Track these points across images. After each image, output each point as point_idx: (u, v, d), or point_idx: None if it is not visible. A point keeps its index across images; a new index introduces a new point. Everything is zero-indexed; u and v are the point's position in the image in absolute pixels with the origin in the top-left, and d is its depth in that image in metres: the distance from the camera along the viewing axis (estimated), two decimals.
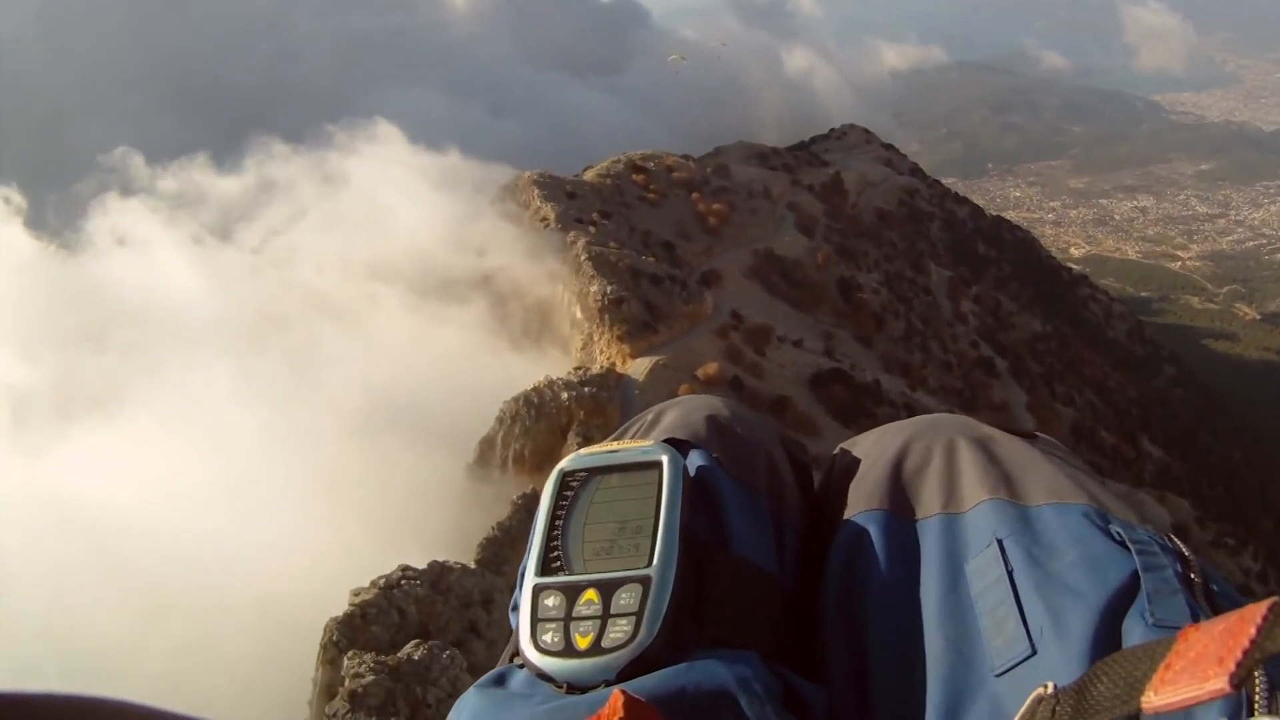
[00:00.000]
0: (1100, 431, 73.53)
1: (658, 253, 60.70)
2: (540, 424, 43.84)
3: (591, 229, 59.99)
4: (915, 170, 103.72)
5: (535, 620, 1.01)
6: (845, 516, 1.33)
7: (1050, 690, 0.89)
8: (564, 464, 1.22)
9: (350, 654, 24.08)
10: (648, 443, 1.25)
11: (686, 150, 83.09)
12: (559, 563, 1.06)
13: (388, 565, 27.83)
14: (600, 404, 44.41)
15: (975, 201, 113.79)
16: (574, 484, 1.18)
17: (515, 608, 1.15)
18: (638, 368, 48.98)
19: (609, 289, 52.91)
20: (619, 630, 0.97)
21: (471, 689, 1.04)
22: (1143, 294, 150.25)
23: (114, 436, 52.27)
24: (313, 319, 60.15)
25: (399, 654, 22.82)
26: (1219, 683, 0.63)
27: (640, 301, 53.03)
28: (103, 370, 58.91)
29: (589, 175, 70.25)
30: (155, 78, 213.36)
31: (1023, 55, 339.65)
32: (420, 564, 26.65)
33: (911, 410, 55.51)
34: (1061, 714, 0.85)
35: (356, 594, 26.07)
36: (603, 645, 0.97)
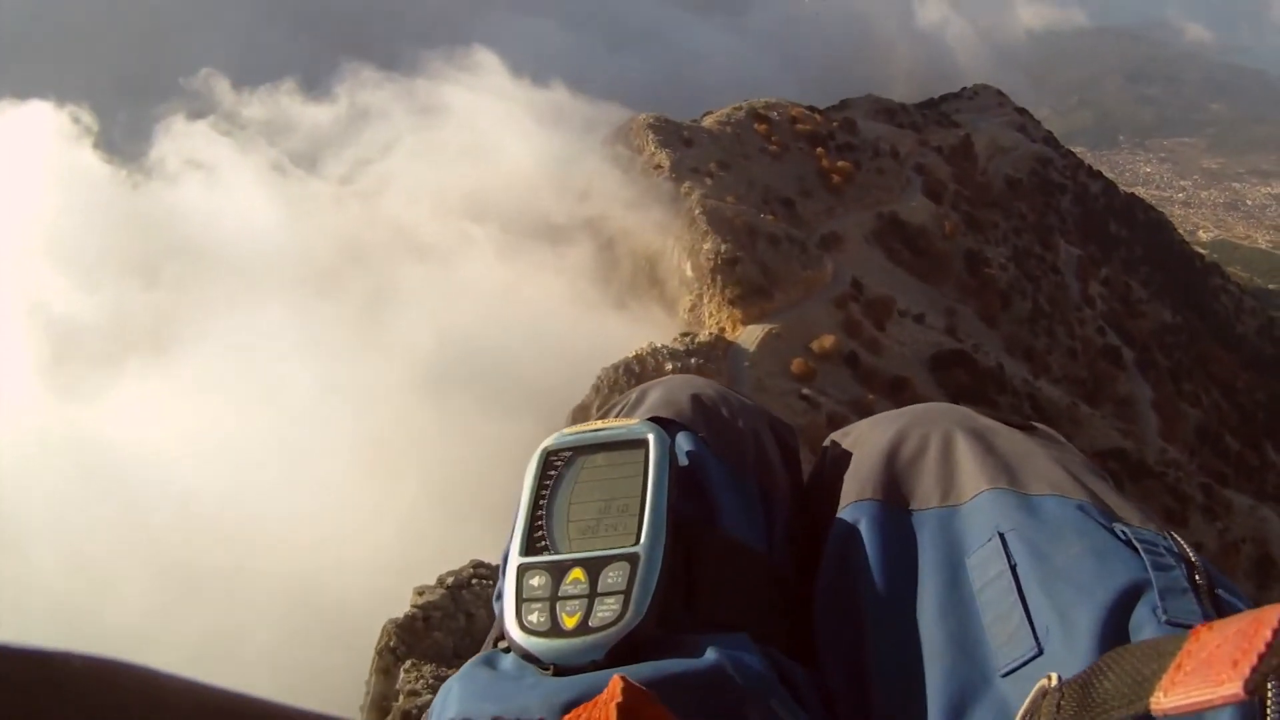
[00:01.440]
0: (1225, 436, 68.37)
1: (777, 210, 56.67)
2: None
3: (708, 180, 56.04)
4: (1049, 138, 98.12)
5: (520, 600, 1.00)
6: (839, 506, 1.28)
7: (1054, 683, 0.88)
8: (547, 442, 1.19)
9: (408, 664, 20.64)
10: (634, 421, 1.20)
11: (809, 100, 78.54)
12: (544, 542, 1.05)
13: (452, 552, 24.30)
14: (707, 377, 40.72)
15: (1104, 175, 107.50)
16: (558, 463, 1.15)
17: (499, 596, 1.13)
18: (748, 336, 45.55)
19: (723, 247, 49.32)
20: (607, 609, 0.96)
21: (455, 674, 1.02)
22: (1270, 286, 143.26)
23: (160, 382, 49.43)
24: (394, 258, 56.55)
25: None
26: (1233, 687, 0.61)
27: (755, 263, 49.40)
28: (160, 306, 55.86)
29: (708, 122, 65.80)
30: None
31: (1165, 24, 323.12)
32: (494, 556, 23.57)
33: (1034, 402, 52.26)
34: (1066, 709, 0.83)
35: (420, 593, 22.63)
36: (590, 624, 0.95)
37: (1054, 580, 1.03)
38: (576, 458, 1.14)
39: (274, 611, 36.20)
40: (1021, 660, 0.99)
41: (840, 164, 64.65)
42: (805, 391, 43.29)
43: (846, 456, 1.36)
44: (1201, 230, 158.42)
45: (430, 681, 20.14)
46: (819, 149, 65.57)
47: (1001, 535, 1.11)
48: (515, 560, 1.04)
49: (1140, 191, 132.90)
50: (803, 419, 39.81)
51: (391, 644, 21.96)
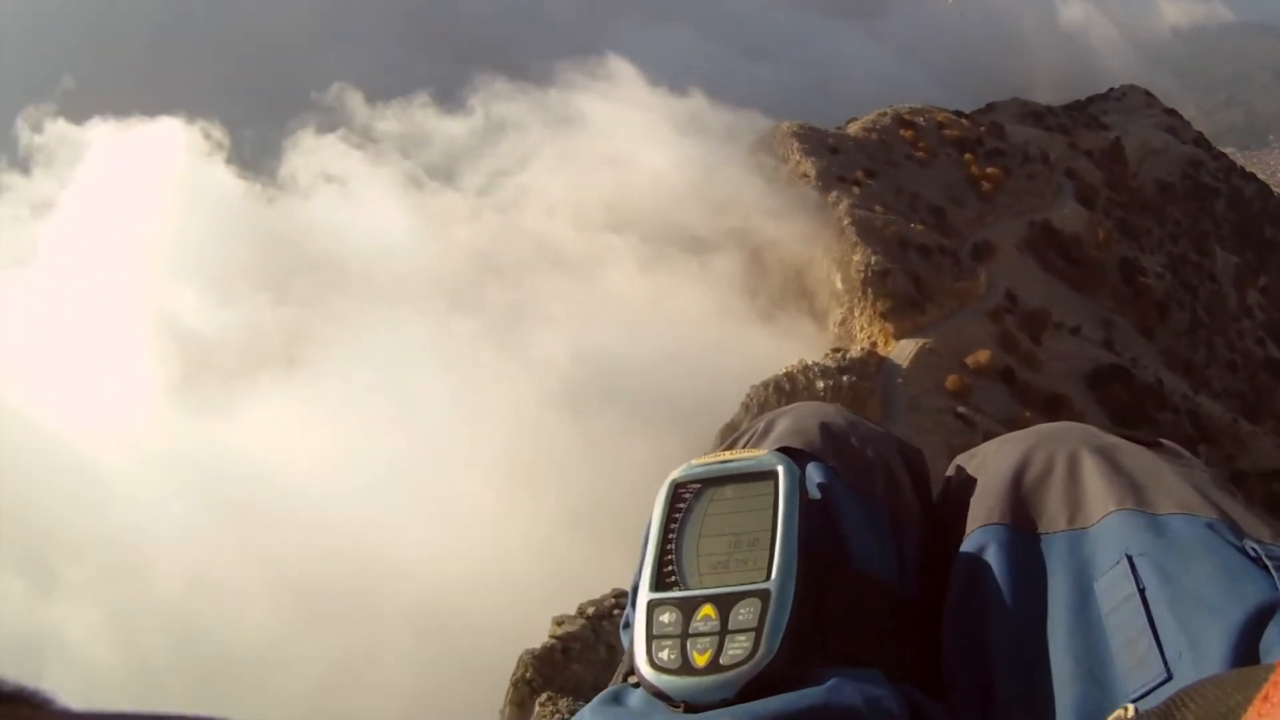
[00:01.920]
0: None
1: (926, 219, 55.02)
2: None
3: (855, 189, 54.64)
4: (1199, 140, 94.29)
5: (651, 637, 0.98)
6: (966, 531, 1.27)
7: (1131, 714, 0.87)
8: (675, 474, 1.17)
9: (544, 698, 19.82)
10: (762, 451, 1.17)
11: (952, 104, 76.36)
12: (674, 577, 1.04)
13: (593, 579, 23.34)
14: (860, 396, 39.49)
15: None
16: (686, 495, 1.13)
17: (627, 625, 1.15)
18: (901, 351, 44.32)
19: (873, 259, 48.07)
20: (738, 647, 0.94)
21: (587, 709, 1.01)
22: None
23: (292, 399, 49.07)
24: (533, 271, 55.61)
25: None
26: None
27: (907, 275, 48.08)
28: (292, 321, 55.37)
29: (852, 129, 64.31)
30: (387, 6, 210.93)
31: None
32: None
33: (1195, 419, 50.02)
34: None
35: (559, 623, 21.77)
36: (721, 662, 0.93)
37: (1183, 602, 1.01)
38: (705, 490, 1.13)
39: (404, 637, 35.61)
40: (1151, 685, 0.97)
41: (990, 170, 62.67)
42: (960, 410, 41.80)
43: (973, 480, 1.34)
44: None
45: (566, 717, 19.32)
46: (967, 155, 63.65)
47: (1129, 558, 1.09)
48: (645, 596, 1.03)
49: None
50: (958, 439, 38.25)
51: (528, 675, 21.05)
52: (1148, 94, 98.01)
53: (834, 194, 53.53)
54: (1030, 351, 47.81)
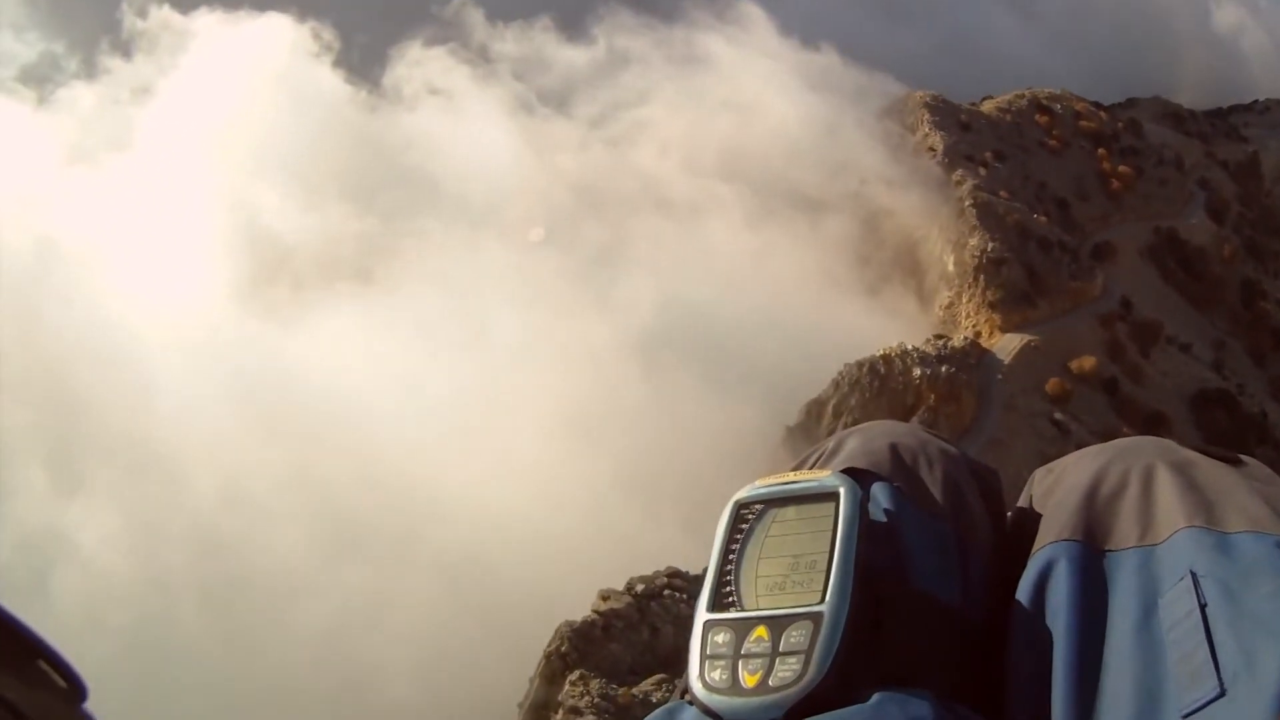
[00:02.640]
0: None
1: (1050, 211, 53.16)
2: (882, 399, 38.20)
3: (982, 170, 52.85)
4: None
5: (704, 657, 1.00)
6: (1036, 547, 1.25)
7: None
8: (740, 495, 1.17)
9: (576, 676, 19.05)
10: (826, 473, 1.18)
11: (1092, 94, 73.64)
12: (731, 598, 1.05)
13: (646, 552, 22.40)
14: (956, 389, 38.35)
15: None
16: (749, 516, 1.14)
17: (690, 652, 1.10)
18: (1005, 345, 43.05)
19: (990, 245, 46.59)
20: (787, 669, 0.95)
21: None
22: None
23: (356, 317, 47.31)
24: (635, 212, 53.58)
25: (635, 690, 17.64)
26: None
27: (1023, 266, 46.54)
28: (374, 235, 53.70)
29: (987, 107, 62.25)
30: None
31: None
32: (695, 564, 21.09)
33: None
34: None
35: (605, 598, 20.88)
36: (770, 684, 0.95)
37: (1242, 620, 1.00)
38: (767, 510, 1.13)
39: (435, 585, 34.34)
40: (1204, 701, 0.96)
41: (1122, 169, 60.40)
42: (1058, 416, 40.58)
43: (1049, 494, 1.33)
44: None
45: (596, 700, 18.49)
46: (1101, 150, 61.41)
47: (1194, 574, 1.08)
48: (703, 616, 1.04)
49: None
50: (1051, 447, 37.14)
51: (563, 649, 20.22)
52: None
53: (959, 172, 51.89)
54: (1137, 364, 46.40)
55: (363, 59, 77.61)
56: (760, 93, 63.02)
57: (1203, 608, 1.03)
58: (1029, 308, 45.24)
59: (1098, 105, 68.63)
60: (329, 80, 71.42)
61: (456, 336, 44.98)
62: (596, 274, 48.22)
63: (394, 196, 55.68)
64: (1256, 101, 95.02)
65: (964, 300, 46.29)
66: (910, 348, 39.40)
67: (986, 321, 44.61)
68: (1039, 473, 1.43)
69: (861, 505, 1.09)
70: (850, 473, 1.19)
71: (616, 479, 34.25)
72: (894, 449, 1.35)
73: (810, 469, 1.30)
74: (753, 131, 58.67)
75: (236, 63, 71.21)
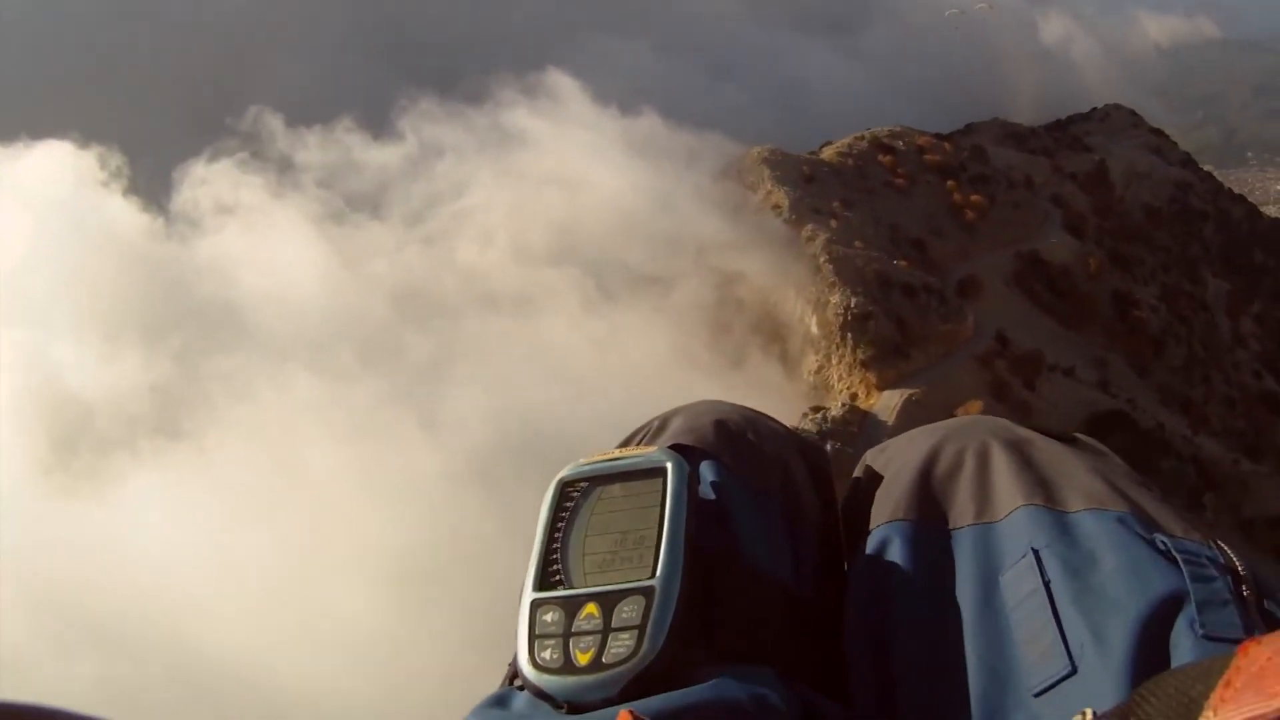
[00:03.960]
0: None
1: (908, 253, 50.93)
2: None
3: (832, 222, 50.35)
4: (1187, 161, 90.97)
5: (533, 637, 0.99)
6: (871, 526, 1.29)
7: (1090, 717, 0.86)
8: (563, 473, 1.18)
9: None
10: (652, 449, 1.19)
11: (930, 125, 72.12)
12: (558, 576, 1.05)
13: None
14: (843, 462, 35.13)
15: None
16: (574, 494, 1.14)
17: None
18: (885, 404, 40.60)
19: (853, 301, 44.21)
20: (621, 645, 0.95)
21: (471, 714, 1.02)
22: None
23: (166, 479, 41.56)
24: (458, 315, 49.52)
25: None
26: None
27: (890, 318, 44.25)
28: (178, 384, 47.65)
29: (827, 154, 60.04)
30: (314, 20, 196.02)
31: None
32: None
33: (1199, 465, 47.21)
34: None
35: None
36: (604, 661, 0.94)
37: (1088, 596, 1.03)
38: (593, 488, 1.14)
39: None
40: (1054, 679, 0.99)
41: (973, 198, 58.67)
42: None
43: (880, 477, 1.35)
44: None
45: None
46: (950, 181, 59.64)
47: (1035, 552, 1.11)
48: (529, 595, 1.04)
49: (1272, 210, 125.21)
50: None
51: None
52: (1133, 113, 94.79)
53: (809, 227, 49.28)
54: (1024, 399, 44.43)
55: (155, 183, 71.28)
56: (583, 167, 59.14)
57: (1047, 585, 1.05)
58: (902, 360, 42.90)
59: (940, 136, 67.27)
60: (120, 210, 64.45)
61: (270, 486, 39.85)
62: (420, 393, 43.49)
63: (194, 335, 49.38)
64: (1095, 109, 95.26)
65: (834, 362, 43.64)
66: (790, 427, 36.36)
67: (861, 382, 41.98)
68: (870, 453, 1.44)
69: (690, 481, 1.09)
70: (676, 449, 1.19)
71: (467, 634, 29.11)
72: (720, 425, 1.34)
73: (635, 447, 1.27)
74: (580, 209, 54.70)
75: (15, 200, 64.38)
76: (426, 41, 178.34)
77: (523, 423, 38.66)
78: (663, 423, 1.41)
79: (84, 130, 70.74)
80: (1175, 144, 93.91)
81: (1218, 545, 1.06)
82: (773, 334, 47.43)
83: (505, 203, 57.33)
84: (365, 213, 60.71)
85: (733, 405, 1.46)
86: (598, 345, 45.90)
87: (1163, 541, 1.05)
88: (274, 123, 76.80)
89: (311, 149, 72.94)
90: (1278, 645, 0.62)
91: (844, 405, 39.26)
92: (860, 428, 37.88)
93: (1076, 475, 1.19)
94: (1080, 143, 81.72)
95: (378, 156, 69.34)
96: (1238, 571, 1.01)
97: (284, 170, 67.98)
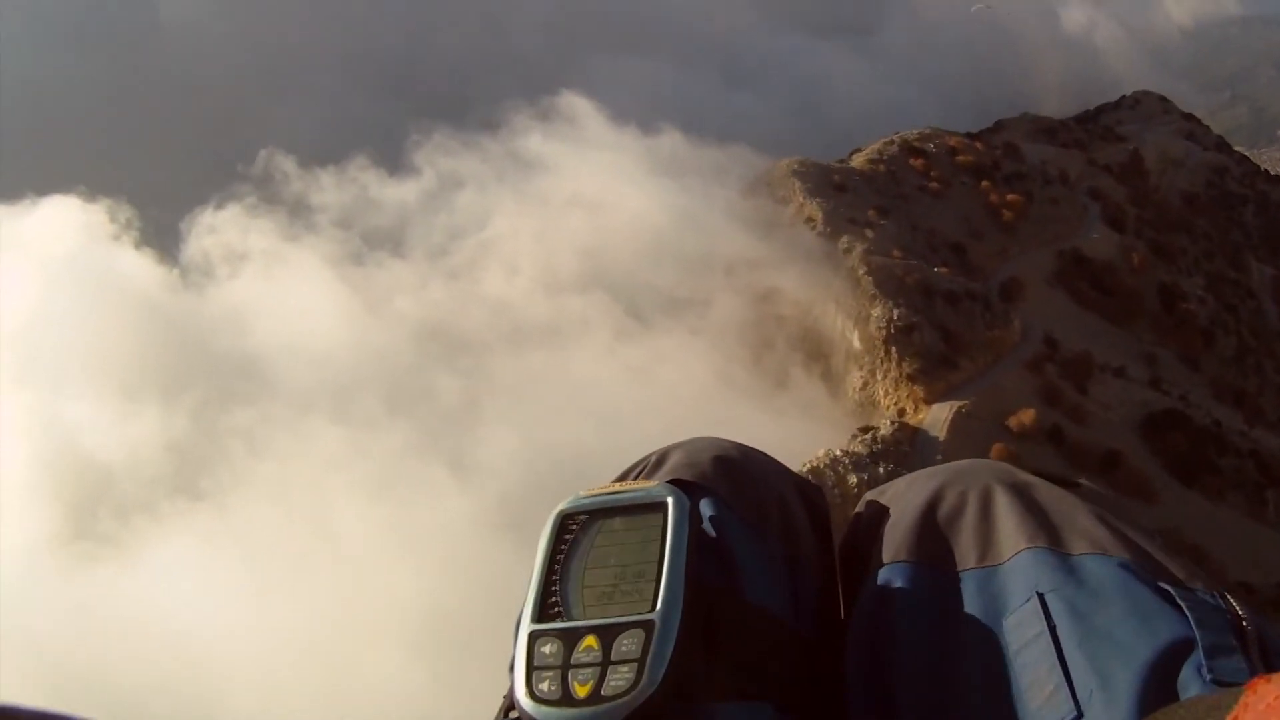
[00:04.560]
0: None
1: (947, 258, 49.60)
2: None
3: (868, 232, 48.94)
4: (1221, 144, 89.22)
5: (531, 668, 0.99)
6: (873, 568, 1.28)
7: None
8: (563, 505, 1.18)
9: None
10: (652, 483, 1.19)
11: (957, 124, 71.02)
12: (557, 609, 1.05)
13: None
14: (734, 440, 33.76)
15: None
16: (574, 527, 1.15)
17: (513, 667, 1.10)
18: (935, 418, 39.10)
19: (896, 313, 42.92)
20: (620, 678, 0.95)
21: None
22: None
23: (191, 542, 39.64)
24: (485, 350, 47.88)
25: None
26: None
27: (935, 328, 42.86)
28: (199, 441, 45.87)
29: (857, 161, 58.71)
30: (344, 64, 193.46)
31: None
32: None
33: (1258, 459, 45.26)
34: None
35: None
36: (603, 694, 0.94)
37: (1094, 641, 1.03)
38: (593, 521, 1.14)
39: None
40: None
41: (1010, 197, 57.31)
42: None
43: (881, 517, 1.35)
44: None
45: None
46: (984, 182, 58.32)
47: (1040, 596, 1.11)
48: (527, 626, 1.03)
49: None
50: None
51: None
52: (1162, 99, 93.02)
53: (845, 239, 47.94)
54: (1077, 403, 42.96)
55: (164, 234, 69.55)
56: (606, 189, 57.71)
57: (1052, 629, 1.05)
58: (951, 371, 41.50)
59: (970, 135, 66.00)
60: (133, 263, 63.21)
61: (296, 546, 38.20)
62: (449, 437, 41.97)
63: (212, 389, 47.93)
64: (1124, 97, 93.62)
65: (879, 378, 42.26)
66: (839, 453, 35.08)
67: (909, 396, 40.59)
68: (869, 495, 1.44)
69: (691, 516, 1.09)
70: (676, 484, 1.19)
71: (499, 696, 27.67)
72: (718, 461, 1.33)
73: (634, 481, 1.27)
74: (607, 233, 53.10)
75: (25, 258, 62.75)
76: (436, 73, 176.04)
77: (555, 461, 37.07)
78: (660, 458, 1.40)
79: (91, 183, 69.34)
80: (1208, 128, 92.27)
81: (1221, 593, 1.06)
82: (814, 351, 46.08)
83: (528, 230, 56.03)
84: (385, 250, 59.30)
85: (731, 441, 1.44)
86: (633, 374, 44.39)
87: (1167, 588, 1.06)
88: (287, 165, 75.51)
89: (326, 189, 71.69)
90: None
91: (893, 424, 37.79)
92: (913, 446, 36.51)
93: (1079, 519, 1.20)
94: (1112, 133, 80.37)
95: (395, 193, 68.07)
96: (1241, 618, 1.01)
97: (299, 213, 66.73)
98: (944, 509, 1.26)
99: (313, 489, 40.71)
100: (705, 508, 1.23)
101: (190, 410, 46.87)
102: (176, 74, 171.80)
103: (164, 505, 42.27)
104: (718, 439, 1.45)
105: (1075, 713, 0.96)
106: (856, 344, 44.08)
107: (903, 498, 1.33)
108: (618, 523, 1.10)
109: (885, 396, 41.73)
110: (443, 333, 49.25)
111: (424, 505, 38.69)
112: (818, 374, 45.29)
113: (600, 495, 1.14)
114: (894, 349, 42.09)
